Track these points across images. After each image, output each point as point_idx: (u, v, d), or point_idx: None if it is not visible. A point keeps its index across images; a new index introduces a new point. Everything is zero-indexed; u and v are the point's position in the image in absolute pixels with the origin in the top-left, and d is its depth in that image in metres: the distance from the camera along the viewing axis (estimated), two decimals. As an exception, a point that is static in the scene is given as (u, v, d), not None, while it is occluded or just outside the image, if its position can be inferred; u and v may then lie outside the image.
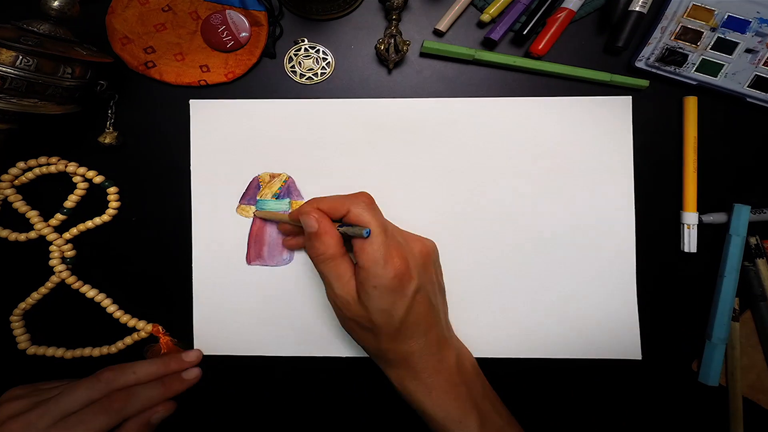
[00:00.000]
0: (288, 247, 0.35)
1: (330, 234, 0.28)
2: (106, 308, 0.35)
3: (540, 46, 0.34)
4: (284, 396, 0.36)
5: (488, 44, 0.35)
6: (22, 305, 0.35)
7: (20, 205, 0.35)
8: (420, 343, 0.29)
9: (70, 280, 0.35)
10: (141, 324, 0.35)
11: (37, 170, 0.34)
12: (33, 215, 0.35)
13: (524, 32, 0.34)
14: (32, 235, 0.35)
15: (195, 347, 0.35)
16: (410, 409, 0.34)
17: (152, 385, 0.32)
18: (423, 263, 0.29)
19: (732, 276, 0.34)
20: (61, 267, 0.35)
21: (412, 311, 0.28)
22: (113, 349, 0.35)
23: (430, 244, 0.31)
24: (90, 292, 0.35)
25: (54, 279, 0.35)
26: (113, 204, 0.35)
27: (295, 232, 0.34)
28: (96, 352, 0.35)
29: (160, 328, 0.35)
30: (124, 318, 0.35)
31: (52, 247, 0.35)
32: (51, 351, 0.35)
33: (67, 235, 0.35)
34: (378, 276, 0.27)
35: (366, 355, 0.35)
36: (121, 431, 0.30)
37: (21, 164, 0.34)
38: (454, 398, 0.29)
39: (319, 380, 0.36)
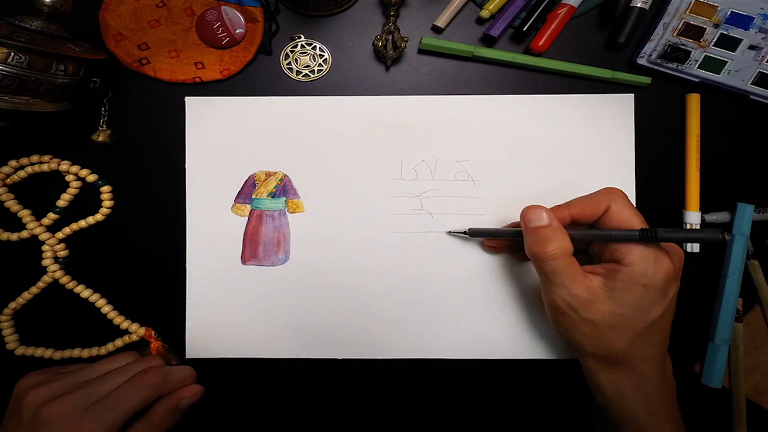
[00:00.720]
0: (489, 247, 0.35)
1: (563, 230, 0.28)
2: (100, 308, 0.35)
3: (540, 43, 0.34)
4: (279, 399, 0.36)
5: (488, 41, 0.35)
6: (12, 305, 0.35)
7: (12, 205, 0.35)
8: (655, 349, 0.29)
9: (64, 280, 0.35)
10: (134, 327, 0.35)
11: (29, 169, 0.34)
12: (25, 214, 0.35)
13: (524, 28, 0.34)
14: (24, 234, 0.35)
15: (187, 349, 0.35)
16: (408, 411, 0.34)
17: (181, 366, 0.33)
18: (680, 268, 0.29)
19: (735, 276, 0.34)
20: (54, 267, 0.35)
21: (665, 315, 0.28)
22: (103, 350, 0.35)
23: (681, 251, 0.30)
24: (84, 292, 0.35)
25: (46, 279, 0.35)
26: (107, 203, 0.35)
27: (501, 245, 0.34)
28: (85, 353, 0.35)
29: (152, 332, 0.35)
30: (118, 319, 0.35)
31: (45, 247, 0.35)
32: (40, 352, 0.35)
33: (60, 235, 0.35)
34: (647, 274, 0.27)
35: (363, 357, 0.35)
36: (150, 414, 0.30)
37: (13, 163, 0.34)
38: (667, 412, 0.29)
39: (315, 383, 0.36)
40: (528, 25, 0.34)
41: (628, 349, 0.28)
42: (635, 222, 0.28)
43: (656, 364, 0.29)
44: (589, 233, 0.29)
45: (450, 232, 0.35)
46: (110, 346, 0.35)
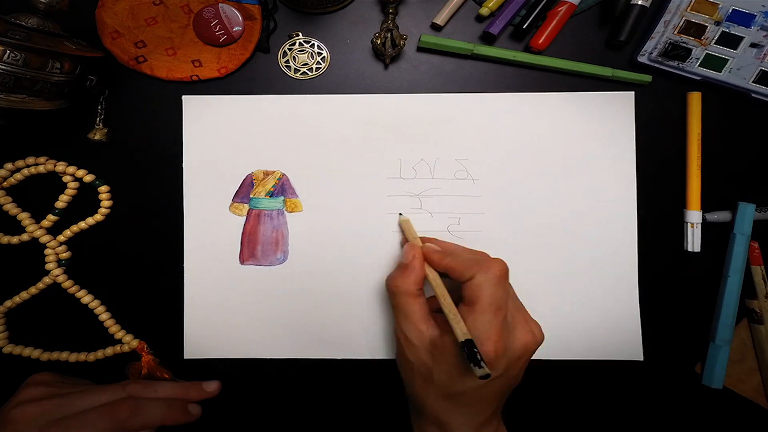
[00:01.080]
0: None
1: (416, 272, 0.29)
2: (98, 315, 0.35)
3: (540, 41, 0.34)
4: (278, 400, 0.36)
5: (487, 38, 0.35)
6: (8, 303, 0.35)
7: (11, 208, 0.35)
8: (464, 420, 0.28)
9: (67, 284, 0.35)
10: (128, 338, 0.36)
11: (25, 171, 0.35)
12: (24, 217, 0.35)
13: (524, 26, 0.34)
14: (25, 237, 0.35)
15: (185, 349, 0.35)
16: (407, 412, 0.34)
17: (159, 404, 0.32)
18: (518, 357, 0.28)
19: (736, 276, 0.34)
20: (57, 271, 0.35)
21: (477, 392, 0.28)
22: (91, 357, 0.35)
23: (538, 338, 0.29)
24: (86, 298, 0.35)
25: (46, 280, 0.35)
26: (105, 203, 0.35)
27: None
28: (72, 357, 0.35)
29: (145, 345, 0.35)
30: (113, 328, 0.36)
31: (48, 250, 0.35)
32: (27, 351, 0.35)
33: (61, 237, 0.35)
34: (453, 352, 0.27)
35: (362, 357, 0.36)
36: None
37: (9, 165, 0.34)
38: None
39: (314, 383, 0.36)
40: (528, 22, 0.34)
41: (434, 405, 0.28)
42: (484, 301, 0.27)
43: (467, 430, 0.28)
44: (435, 294, 0.29)
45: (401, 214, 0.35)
46: (99, 354, 0.35)
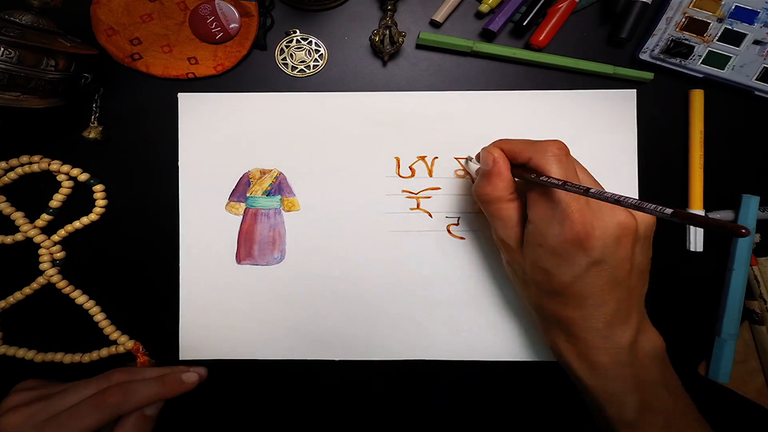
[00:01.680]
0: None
1: (501, 177, 0.28)
2: (93, 316, 0.36)
3: (540, 38, 0.34)
4: (275, 401, 0.36)
5: (487, 35, 0.35)
6: (2, 304, 0.35)
7: (4, 207, 0.35)
8: (583, 314, 0.27)
9: (61, 284, 0.35)
10: (123, 339, 0.36)
11: (19, 170, 0.35)
12: (18, 217, 0.35)
13: (524, 23, 0.34)
14: (19, 237, 0.35)
15: (181, 350, 0.36)
16: (405, 414, 0.34)
17: (150, 382, 0.32)
18: (616, 236, 0.26)
19: (741, 270, 0.34)
20: (52, 271, 0.35)
21: (581, 282, 0.26)
22: (86, 358, 0.35)
23: (636, 218, 0.27)
24: (80, 298, 0.35)
25: (40, 280, 0.35)
26: (100, 202, 0.35)
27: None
28: (67, 358, 0.35)
29: (140, 346, 0.35)
30: (108, 329, 0.36)
31: (42, 250, 0.35)
32: (21, 353, 0.35)
33: (56, 237, 0.35)
34: (543, 235, 0.26)
35: (361, 358, 0.36)
36: (118, 427, 0.30)
37: (2, 164, 0.34)
38: (614, 376, 0.28)
39: (311, 385, 0.36)
40: (528, 19, 0.34)
41: (542, 305, 0.28)
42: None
43: (592, 331, 0.27)
44: (520, 173, 0.28)
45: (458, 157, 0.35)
46: (94, 355, 0.36)
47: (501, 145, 0.29)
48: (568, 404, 0.36)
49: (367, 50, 0.35)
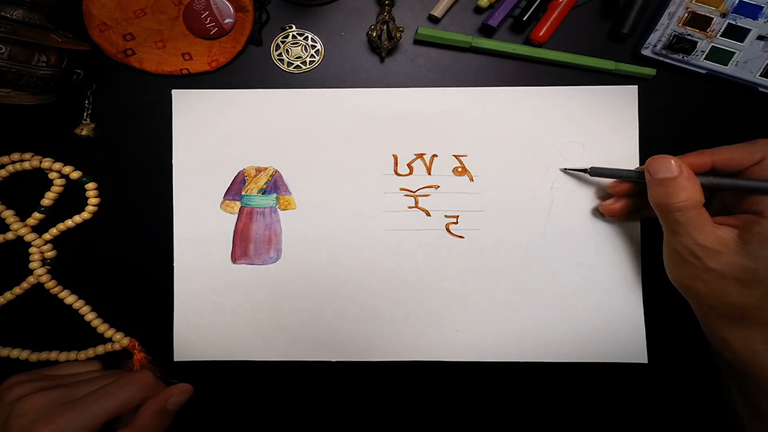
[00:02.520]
0: (609, 211, 0.34)
1: (693, 179, 0.28)
2: (84, 316, 0.36)
3: (541, 33, 0.34)
4: (271, 403, 0.36)
5: (486, 31, 0.35)
6: (-7, 304, 0.35)
7: (-5, 206, 0.35)
8: None
9: (50, 284, 0.35)
10: (118, 336, 0.36)
11: (10, 167, 0.35)
12: (9, 215, 0.35)
13: (524, 18, 0.34)
14: (10, 236, 0.35)
15: (175, 351, 0.36)
16: (404, 416, 0.34)
17: (177, 385, 0.33)
18: None
19: None
20: (41, 271, 0.35)
21: None
22: (82, 355, 0.36)
23: None
24: (69, 298, 0.36)
25: (30, 280, 0.35)
26: (93, 200, 0.35)
27: (625, 192, 0.33)
28: (63, 356, 0.36)
29: (136, 343, 0.36)
30: (102, 327, 0.36)
31: (32, 249, 0.35)
32: (16, 353, 0.35)
33: (47, 236, 0.35)
34: None
35: (358, 359, 0.36)
36: (136, 419, 0.31)
37: (-7, 162, 0.35)
38: None
39: (307, 386, 0.36)
40: (528, 14, 0.34)
41: (758, 304, 0.28)
42: None
43: None
44: (731, 182, 0.29)
45: (566, 169, 0.35)
46: (90, 352, 0.36)
47: (711, 155, 0.29)
48: (567, 405, 0.36)
49: (364, 46, 0.36)
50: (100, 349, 0.36)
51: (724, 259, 0.28)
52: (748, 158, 0.29)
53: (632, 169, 0.33)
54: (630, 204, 0.33)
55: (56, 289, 0.36)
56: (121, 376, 0.32)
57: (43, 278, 0.35)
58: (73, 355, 0.36)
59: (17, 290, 0.35)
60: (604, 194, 0.35)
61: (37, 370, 0.34)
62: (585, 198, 0.35)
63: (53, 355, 0.36)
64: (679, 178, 0.28)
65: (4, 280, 0.36)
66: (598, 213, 0.35)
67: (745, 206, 0.29)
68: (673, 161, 0.29)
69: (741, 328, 0.29)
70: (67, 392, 0.30)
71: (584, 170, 0.34)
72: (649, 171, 0.29)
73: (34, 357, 0.36)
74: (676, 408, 0.36)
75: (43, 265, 0.35)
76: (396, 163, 0.35)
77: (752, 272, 0.27)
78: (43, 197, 0.35)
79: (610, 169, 0.33)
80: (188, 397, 0.33)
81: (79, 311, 0.36)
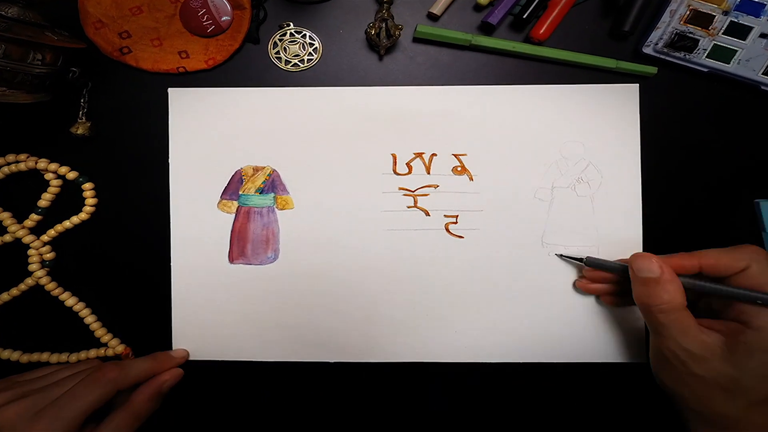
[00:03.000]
0: (585, 290, 0.35)
1: (676, 282, 0.28)
2: (83, 318, 0.36)
3: (541, 31, 0.34)
4: (268, 404, 0.37)
5: (486, 29, 0.35)
6: (-11, 305, 0.36)
7: (-8, 208, 0.35)
8: None
9: (50, 286, 0.35)
10: (114, 342, 0.36)
11: (5, 169, 0.35)
12: (6, 217, 0.35)
13: (524, 16, 0.34)
14: (8, 238, 0.35)
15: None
16: (403, 417, 0.35)
17: (142, 359, 0.34)
18: None
19: None
20: (40, 272, 0.35)
21: None
22: (73, 357, 0.36)
23: None
24: (69, 300, 0.36)
25: (29, 281, 0.35)
26: (90, 201, 0.35)
27: (600, 279, 0.34)
28: (54, 358, 0.36)
29: (130, 351, 0.36)
30: (99, 332, 0.36)
31: (31, 251, 0.35)
32: (6, 354, 0.35)
33: (45, 237, 0.35)
34: None
35: (356, 360, 0.36)
36: (130, 401, 0.31)
37: (-12, 164, 0.35)
38: None
39: (305, 387, 0.37)
40: (528, 12, 0.34)
41: (741, 416, 0.27)
42: None
43: None
44: (716, 288, 0.28)
45: (562, 255, 0.35)
46: (82, 355, 0.36)
47: (699, 258, 0.29)
48: (567, 405, 0.36)
49: (362, 44, 0.36)
50: (93, 353, 0.36)
51: (709, 366, 0.27)
52: (733, 265, 0.28)
53: (621, 261, 0.33)
54: (614, 289, 0.34)
55: (57, 290, 0.36)
56: (87, 372, 0.31)
57: (43, 280, 0.35)
58: (64, 357, 0.36)
59: (15, 292, 0.36)
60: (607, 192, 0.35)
61: (5, 379, 0.33)
62: (585, 198, 0.35)
63: (44, 357, 0.36)
64: (660, 279, 0.28)
65: (3, 282, 0.36)
66: (600, 211, 0.35)
67: (731, 314, 0.28)
68: (655, 261, 0.28)
69: (706, 426, 0.29)
70: (40, 398, 0.29)
71: (579, 259, 0.34)
72: (632, 268, 0.29)
73: (24, 358, 0.36)
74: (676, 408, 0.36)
75: (42, 267, 0.35)
76: (395, 163, 0.36)
77: (737, 382, 0.27)
78: (40, 198, 0.35)
79: (604, 261, 0.33)
80: (179, 379, 0.34)
81: (79, 314, 0.36)
